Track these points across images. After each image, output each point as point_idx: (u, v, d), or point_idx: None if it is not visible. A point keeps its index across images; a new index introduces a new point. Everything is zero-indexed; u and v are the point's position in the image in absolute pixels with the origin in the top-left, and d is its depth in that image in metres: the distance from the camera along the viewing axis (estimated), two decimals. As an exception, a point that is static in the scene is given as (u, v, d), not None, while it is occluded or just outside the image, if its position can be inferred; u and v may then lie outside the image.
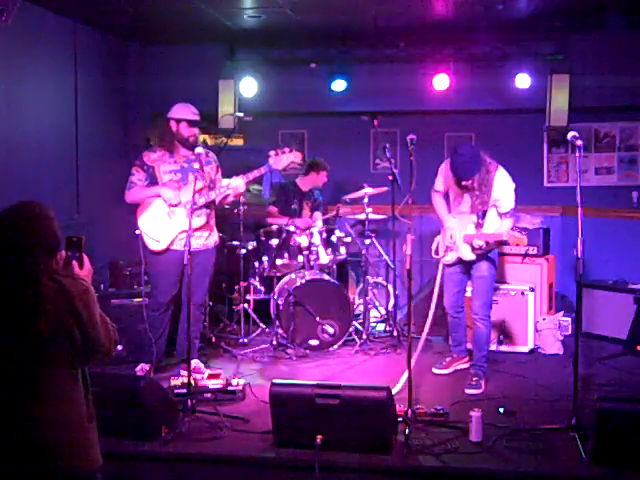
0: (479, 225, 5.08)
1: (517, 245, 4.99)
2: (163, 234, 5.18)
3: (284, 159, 5.17)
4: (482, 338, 5.26)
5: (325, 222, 6.95)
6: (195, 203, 4.85)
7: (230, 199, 5.40)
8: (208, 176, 5.26)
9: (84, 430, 2.60)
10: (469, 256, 5.13)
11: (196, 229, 5.11)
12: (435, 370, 5.47)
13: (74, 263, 2.67)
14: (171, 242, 5.19)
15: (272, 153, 5.18)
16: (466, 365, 5.46)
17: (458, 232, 5.14)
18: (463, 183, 5.02)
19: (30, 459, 2.50)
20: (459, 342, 5.52)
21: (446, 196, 5.33)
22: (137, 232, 5.22)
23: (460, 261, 5.22)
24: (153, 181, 5.23)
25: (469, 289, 5.44)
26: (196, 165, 4.87)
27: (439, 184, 5.30)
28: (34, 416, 2.51)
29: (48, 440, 2.51)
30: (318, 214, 7.02)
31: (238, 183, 5.17)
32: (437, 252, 5.35)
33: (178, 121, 5.21)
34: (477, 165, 4.93)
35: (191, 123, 5.21)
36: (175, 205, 5.15)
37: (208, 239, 5.31)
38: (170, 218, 5.18)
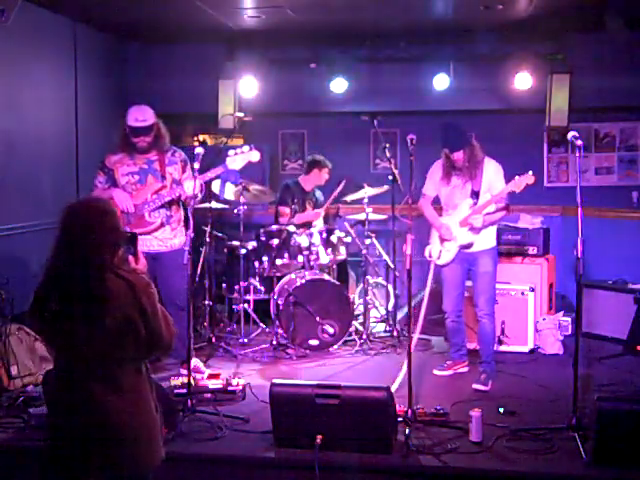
0: (475, 205, 5.11)
1: (527, 185, 4.85)
2: None
3: (241, 159, 5.09)
4: (489, 335, 5.26)
5: (324, 220, 6.95)
6: (149, 204, 4.91)
7: (193, 202, 5.08)
8: (170, 177, 5.20)
9: (154, 420, 2.68)
10: (468, 239, 5.14)
11: (153, 230, 5.13)
12: (436, 372, 5.46)
13: (130, 258, 2.71)
14: None
15: (231, 153, 5.11)
16: (466, 369, 5.45)
17: (452, 223, 5.18)
18: (454, 156, 5.06)
19: (108, 448, 2.57)
20: (459, 347, 5.47)
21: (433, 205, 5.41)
22: None
23: (456, 259, 5.21)
24: (113, 184, 5.21)
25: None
26: (196, 165, 4.81)
27: (428, 188, 5.35)
28: (109, 410, 2.56)
29: (124, 430, 2.58)
30: (320, 211, 7.01)
31: (189, 185, 5.01)
32: (431, 255, 5.35)
33: (127, 127, 5.11)
34: (465, 137, 5.09)
35: (131, 130, 5.07)
36: (125, 211, 5.10)
37: (172, 240, 5.23)
38: (124, 221, 5.13)
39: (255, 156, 5.13)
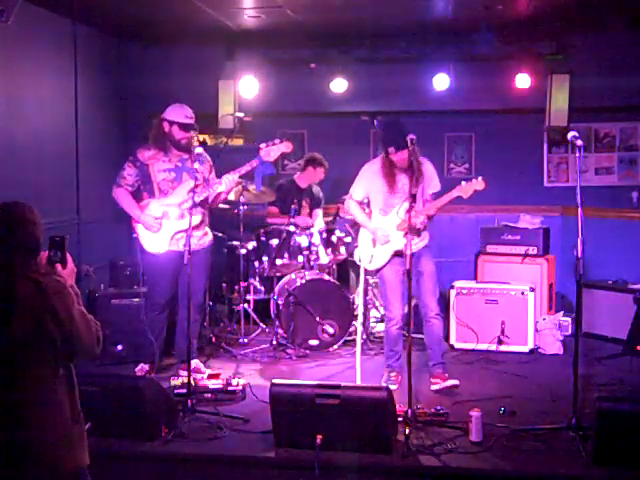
0: (412, 209, 4.71)
1: (475, 191, 4.68)
2: (159, 236, 5.19)
3: (275, 150, 5.12)
4: (440, 333, 5.08)
5: (324, 217, 6.96)
6: (193, 202, 4.86)
7: (223, 196, 5.34)
8: (201, 175, 5.23)
9: (67, 429, 2.59)
10: (401, 244, 4.82)
11: (194, 228, 5.12)
12: (392, 387, 4.71)
13: (57, 265, 2.65)
14: (167, 243, 5.20)
15: (263, 145, 5.14)
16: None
17: (388, 226, 4.96)
18: (398, 155, 4.78)
19: (13, 458, 2.50)
20: (400, 355, 5.13)
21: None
22: (134, 236, 5.25)
23: (393, 257, 4.94)
24: (145, 179, 5.22)
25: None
26: (196, 165, 4.86)
27: (359, 192, 5.12)
28: (17, 415, 2.51)
29: (30, 439, 2.51)
30: (319, 212, 7.02)
31: (230, 179, 5.14)
32: (361, 260, 5.16)
33: (171, 123, 5.17)
34: (407, 136, 4.68)
35: (183, 127, 5.16)
36: (155, 231, 5.16)
37: (203, 238, 5.30)
38: (165, 219, 5.18)
39: (288, 147, 5.18)
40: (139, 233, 5.24)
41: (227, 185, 5.17)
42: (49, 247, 2.67)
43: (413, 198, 4.59)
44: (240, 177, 5.30)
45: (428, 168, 5.01)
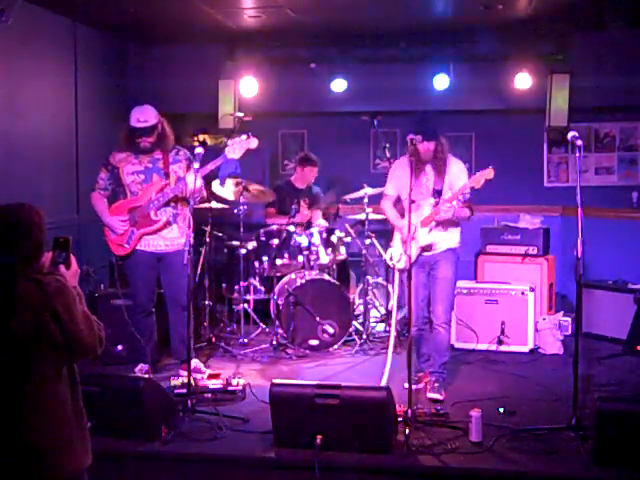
0: (436, 205, 4.79)
1: (486, 180, 4.56)
2: (125, 238, 5.16)
3: (239, 147, 4.99)
4: (444, 344, 4.99)
5: (324, 216, 6.94)
6: (154, 203, 4.90)
7: (203, 193, 5.21)
8: (174, 175, 5.16)
9: (70, 429, 2.59)
10: (428, 240, 4.82)
11: (159, 229, 5.11)
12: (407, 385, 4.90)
13: (61, 266, 2.66)
14: (134, 244, 5.15)
15: (229, 142, 5.04)
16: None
17: (414, 222, 4.78)
18: (424, 145, 4.72)
19: (15, 458, 2.49)
20: (428, 357, 5.09)
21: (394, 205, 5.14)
22: (104, 239, 5.25)
23: (416, 262, 4.81)
24: (117, 182, 5.19)
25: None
26: (196, 165, 4.81)
27: (390, 188, 5.08)
28: (18, 415, 2.51)
29: (32, 439, 2.51)
30: (318, 212, 7.02)
31: (191, 179, 4.93)
32: (392, 259, 5.10)
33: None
34: (438, 131, 4.78)
35: (133, 131, 5.04)
36: (120, 235, 5.13)
37: (179, 240, 5.16)
38: (131, 221, 5.14)
39: (253, 143, 5.02)
40: (107, 236, 5.22)
41: (191, 184, 4.92)
42: (53, 248, 2.67)
43: (438, 194, 4.71)
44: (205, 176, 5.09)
45: (455, 167, 4.87)
